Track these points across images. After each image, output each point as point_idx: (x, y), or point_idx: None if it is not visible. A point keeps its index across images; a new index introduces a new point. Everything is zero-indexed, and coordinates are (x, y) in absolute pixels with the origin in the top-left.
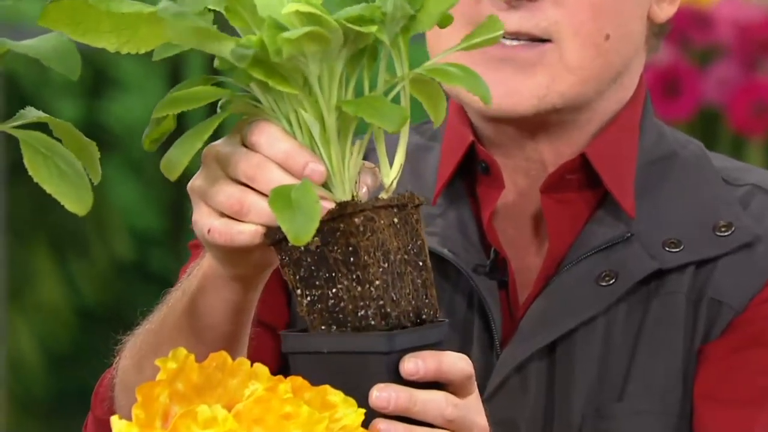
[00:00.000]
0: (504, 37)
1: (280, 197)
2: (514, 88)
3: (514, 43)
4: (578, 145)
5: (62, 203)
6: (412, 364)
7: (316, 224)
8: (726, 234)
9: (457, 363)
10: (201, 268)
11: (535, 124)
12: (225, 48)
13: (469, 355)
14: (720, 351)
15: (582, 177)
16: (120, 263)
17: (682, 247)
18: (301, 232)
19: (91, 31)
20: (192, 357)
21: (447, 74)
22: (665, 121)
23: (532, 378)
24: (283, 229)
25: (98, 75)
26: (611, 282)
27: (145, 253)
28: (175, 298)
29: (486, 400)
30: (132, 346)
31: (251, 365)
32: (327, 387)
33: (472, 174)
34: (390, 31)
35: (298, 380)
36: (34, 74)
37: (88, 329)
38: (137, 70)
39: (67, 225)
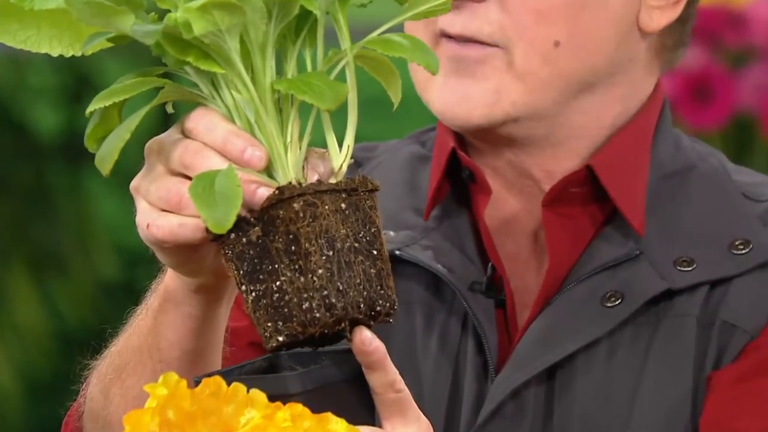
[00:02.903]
0: (453, 40)
1: (200, 183)
2: (464, 94)
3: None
4: (568, 160)
5: None
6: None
7: (237, 210)
8: (743, 252)
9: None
10: (162, 283)
11: (502, 137)
12: (126, 24)
13: (461, 382)
14: (729, 378)
15: (588, 191)
16: (105, 283)
17: (694, 266)
18: (221, 219)
19: (15, 32)
20: (184, 383)
21: (391, 45)
22: (695, 130)
23: (528, 405)
24: (202, 216)
25: (81, 81)
26: (617, 303)
27: (132, 272)
28: (139, 316)
29: (478, 429)
30: (99, 371)
31: (247, 391)
32: (329, 414)
33: (465, 185)
34: (323, 1)
35: (298, 407)
36: (11, 80)
37: (70, 355)
38: (122, 76)
39: (46, 242)
